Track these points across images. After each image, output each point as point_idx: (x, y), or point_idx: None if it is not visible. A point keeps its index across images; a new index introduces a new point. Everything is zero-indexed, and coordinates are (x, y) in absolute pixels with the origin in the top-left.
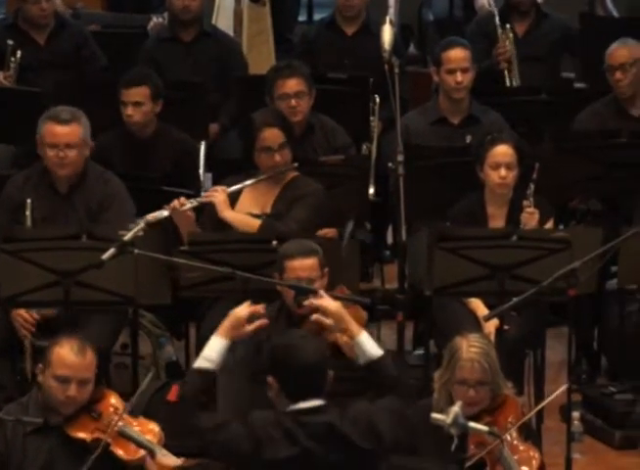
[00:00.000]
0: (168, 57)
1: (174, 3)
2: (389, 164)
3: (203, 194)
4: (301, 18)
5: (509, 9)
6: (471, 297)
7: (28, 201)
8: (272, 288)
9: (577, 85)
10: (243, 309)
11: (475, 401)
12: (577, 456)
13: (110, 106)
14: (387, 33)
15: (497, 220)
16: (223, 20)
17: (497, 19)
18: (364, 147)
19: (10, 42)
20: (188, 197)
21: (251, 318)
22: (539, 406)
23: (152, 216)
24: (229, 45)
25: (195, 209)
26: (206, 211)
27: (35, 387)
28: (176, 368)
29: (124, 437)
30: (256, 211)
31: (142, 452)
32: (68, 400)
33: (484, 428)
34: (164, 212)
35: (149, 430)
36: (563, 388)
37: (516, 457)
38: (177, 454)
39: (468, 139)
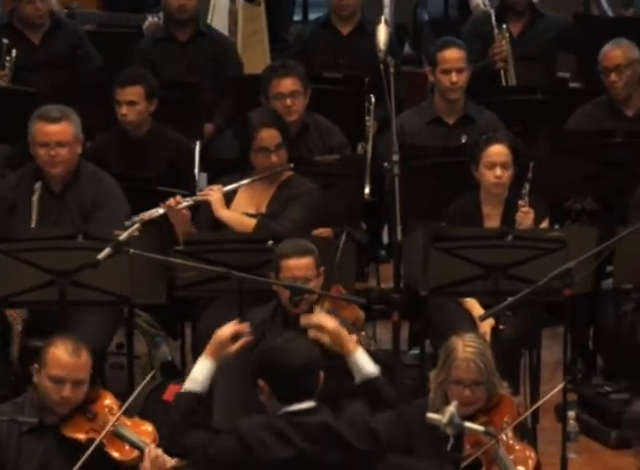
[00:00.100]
0: (164, 57)
1: (170, 2)
2: (385, 164)
3: (198, 193)
4: (296, 17)
5: (504, 9)
6: (466, 297)
7: (34, 198)
8: (268, 288)
9: (573, 85)
10: (225, 330)
11: (470, 401)
12: (573, 456)
13: (105, 106)
14: (382, 33)
15: (492, 220)
16: (218, 19)
17: (494, 19)
18: (359, 147)
19: (5, 41)
20: (183, 197)
21: (236, 337)
22: (535, 406)
23: (147, 215)
24: (224, 45)
25: (190, 208)
26: (202, 211)
27: (31, 387)
28: (172, 368)
29: (119, 437)
30: (252, 211)
31: (136, 453)
32: (63, 401)
33: (480, 428)
34: (160, 210)
35: (143, 430)
36: (558, 387)
37: (512, 457)
38: (173, 454)
39: (463, 139)
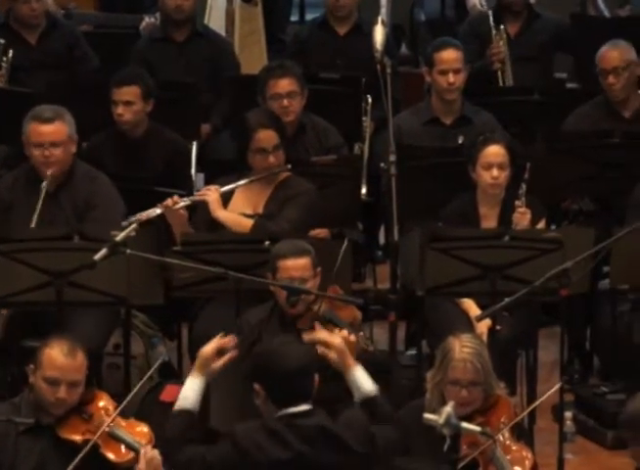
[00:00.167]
0: (161, 57)
1: (167, 3)
2: (382, 165)
3: (195, 193)
4: (293, 18)
5: (501, 9)
6: (463, 297)
7: (40, 197)
8: (265, 288)
9: (570, 85)
10: (209, 346)
11: (467, 402)
12: (570, 456)
13: (102, 106)
14: (378, 33)
15: (489, 221)
16: (215, 20)
17: (492, 19)
18: (356, 147)
19: (1, 41)
20: (180, 197)
21: (221, 352)
22: (531, 407)
23: (144, 215)
24: (221, 45)
25: (188, 208)
26: (199, 211)
27: (27, 387)
28: (168, 369)
29: (114, 438)
30: (249, 212)
31: (132, 455)
32: (58, 402)
33: (477, 428)
34: (157, 210)
35: (138, 432)
36: (555, 388)
37: (508, 457)
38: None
39: (460, 139)
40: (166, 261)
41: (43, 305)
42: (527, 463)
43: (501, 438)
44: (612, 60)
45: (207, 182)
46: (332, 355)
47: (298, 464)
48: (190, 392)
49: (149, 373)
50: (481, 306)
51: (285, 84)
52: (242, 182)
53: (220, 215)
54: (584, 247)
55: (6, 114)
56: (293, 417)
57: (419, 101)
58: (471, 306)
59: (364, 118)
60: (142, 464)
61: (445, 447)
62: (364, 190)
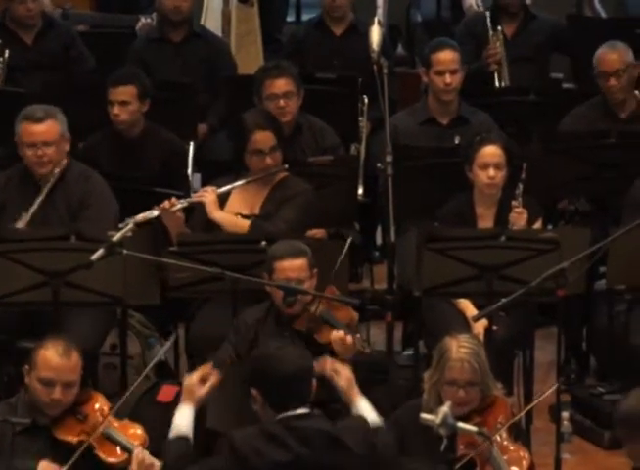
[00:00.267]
0: (157, 57)
1: (165, 3)
2: (378, 165)
3: (192, 194)
4: (290, 18)
5: (498, 10)
6: (459, 297)
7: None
8: (261, 288)
9: (566, 86)
10: (192, 377)
11: (464, 402)
12: (567, 457)
13: (98, 106)
14: (375, 34)
15: (486, 221)
16: (211, 20)
17: (489, 21)
18: (353, 147)
19: None
20: (177, 198)
21: (204, 379)
22: (529, 407)
23: (141, 217)
24: (218, 46)
25: (184, 209)
26: (196, 212)
27: (23, 388)
28: (165, 368)
29: (109, 439)
30: (246, 212)
31: (126, 455)
32: (53, 403)
33: (474, 428)
34: (154, 212)
35: (131, 433)
36: (552, 388)
37: (505, 458)
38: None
39: (457, 140)
40: (163, 262)
41: (39, 306)
42: (525, 463)
43: (498, 438)
44: (612, 62)
45: (204, 183)
46: (341, 384)
47: (298, 467)
48: (182, 420)
49: (144, 372)
50: (478, 307)
51: (281, 84)
52: (239, 183)
53: (217, 217)
54: (581, 247)
55: (0, 114)
56: (291, 420)
57: (415, 101)
58: (467, 307)
59: (360, 119)
60: (134, 466)
61: (442, 448)
62: (361, 190)
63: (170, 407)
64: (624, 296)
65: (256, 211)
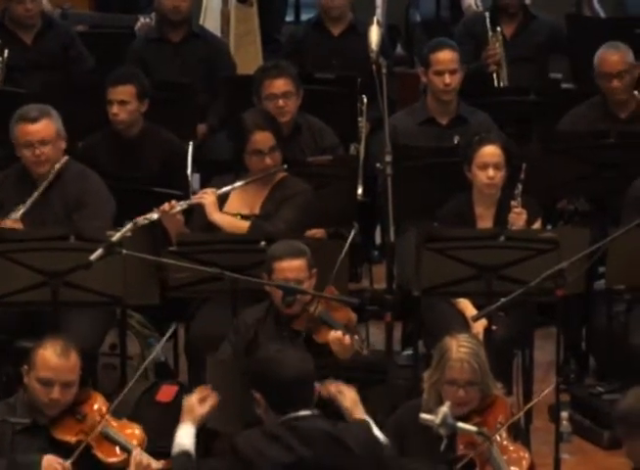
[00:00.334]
0: (156, 57)
1: (164, 4)
2: (377, 165)
3: (192, 197)
4: (289, 18)
5: (497, 10)
6: (459, 297)
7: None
8: (260, 288)
9: (565, 86)
10: (192, 398)
11: (464, 402)
12: (566, 456)
13: (97, 106)
14: (374, 34)
15: (485, 221)
16: (210, 21)
17: (488, 21)
18: (352, 147)
19: None
20: (177, 198)
21: (204, 400)
22: (527, 406)
23: (141, 220)
24: (217, 46)
25: (184, 211)
26: (196, 214)
27: (22, 388)
28: (165, 369)
29: (108, 439)
30: (245, 212)
31: (124, 455)
32: (52, 403)
33: (473, 428)
34: (154, 216)
35: (129, 433)
36: (551, 388)
37: (505, 457)
38: (166, 455)
39: (456, 139)
40: (162, 262)
41: (39, 306)
42: (525, 463)
43: (498, 438)
44: (615, 63)
45: (203, 182)
46: (346, 404)
47: (301, 467)
48: (184, 438)
49: (141, 369)
50: (477, 307)
51: (280, 84)
52: (238, 184)
53: (216, 218)
54: (580, 247)
55: (0, 114)
56: (293, 421)
57: (414, 101)
58: (467, 307)
59: (360, 119)
60: (132, 468)
61: (442, 447)
62: (360, 190)
63: (170, 407)
64: (624, 296)
65: (256, 211)
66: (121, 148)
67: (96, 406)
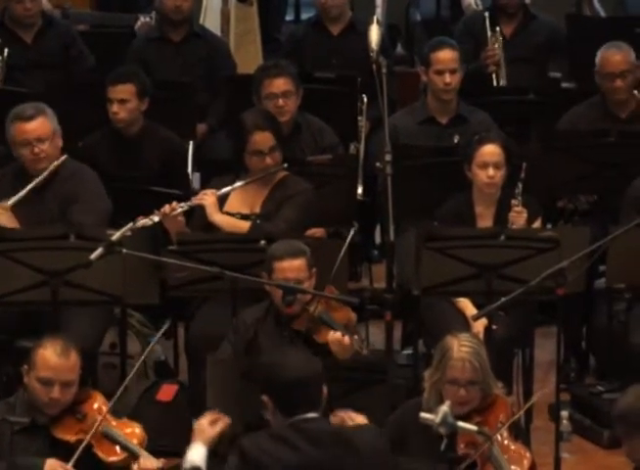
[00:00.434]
0: (157, 56)
1: (165, 3)
2: (377, 164)
3: (192, 198)
4: (289, 17)
5: (496, 10)
6: (459, 296)
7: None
8: (260, 288)
9: (564, 85)
10: (203, 420)
11: (465, 401)
12: (566, 456)
13: (97, 106)
14: (374, 33)
15: (485, 220)
16: (210, 20)
17: (487, 22)
18: (352, 147)
19: None
20: (177, 198)
21: (214, 422)
22: (527, 405)
23: (141, 223)
24: (217, 45)
25: (184, 212)
26: (196, 215)
27: (22, 387)
28: (165, 368)
29: (108, 438)
30: (246, 212)
31: (124, 454)
32: (52, 402)
33: (473, 427)
34: (155, 218)
35: (129, 433)
36: (551, 387)
37: (506, 457)
38: (166, 454)
39: (456, 139)
40: (162, 261)
41: (39, 305)
42: (526, 463)
43: (499, 437)
44: (618, 63)
45: (203, 182)
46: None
47: (309, 467)
48: (196, 456)
49: (136, 365)
50: (477, 306)
51: (280, 84)
52: (238, 184)
53: (217, 219)
54: (580, 246)
55: (0, 113)
56: (300, 423)
57: (414, 100)
58: (467, 306)
59: (359, 118)
60: None
61: (443, 447)
62: (360, 190)
63: (170, 406)
64: (624, 294)
65: (257, 211)
66: (121, 147)
67: (96, 406)
